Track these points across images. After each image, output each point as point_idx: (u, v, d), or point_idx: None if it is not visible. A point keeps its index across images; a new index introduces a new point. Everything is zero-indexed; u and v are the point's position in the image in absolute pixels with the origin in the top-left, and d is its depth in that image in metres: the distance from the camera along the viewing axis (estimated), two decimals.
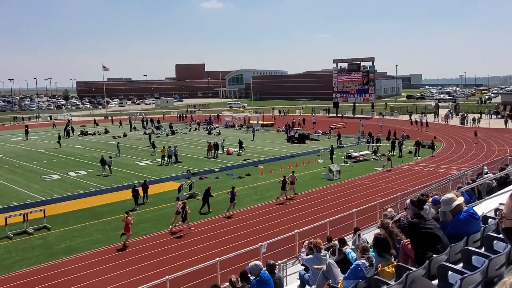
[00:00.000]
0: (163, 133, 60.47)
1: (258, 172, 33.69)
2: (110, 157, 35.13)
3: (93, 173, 34.20)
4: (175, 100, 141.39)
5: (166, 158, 37.98)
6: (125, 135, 57.32)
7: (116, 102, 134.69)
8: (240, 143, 43.08)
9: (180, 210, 20.67)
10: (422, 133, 53.28)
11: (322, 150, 40.74)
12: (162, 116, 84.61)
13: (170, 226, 21.01)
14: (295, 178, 26.80)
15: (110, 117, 79.53)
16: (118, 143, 44.12)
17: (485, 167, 17.32)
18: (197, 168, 35.66)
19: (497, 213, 6.39)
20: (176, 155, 38.56)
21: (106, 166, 33.86)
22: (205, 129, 64.11)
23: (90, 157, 41.32)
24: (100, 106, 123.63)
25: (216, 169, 35.07)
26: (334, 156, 37.72)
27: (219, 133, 58.31)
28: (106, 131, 62.11)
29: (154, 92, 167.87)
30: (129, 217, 19.36)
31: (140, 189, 25.64)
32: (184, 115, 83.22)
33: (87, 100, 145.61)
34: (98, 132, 62.27)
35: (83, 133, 60.67)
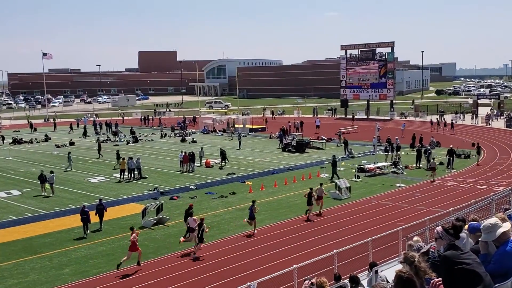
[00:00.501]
0: (122, 140, 60.27)
1: (245, 190, 33.61)
2: (51, 172, 34.77)
3: (30, 194, 33.78)
4: (138, 97, 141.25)
5: (126, 173, 37.78)
6: (71, 143, 57.02)
7: (60, 101, 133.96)
8: (223, 153, 42.97)
9: (196, 228, 21.52)
10: (448, 138, 53.71)
11: (327, 162, 40.85)
12: (121, 118, 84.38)
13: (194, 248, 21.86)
14: (322, 191, 28.25)
15: (52, 120, 79.00)
16: (69, 153, 43.86)
17: None
18: (167, 185, 35.47)
19: None
20: (140, 168, 38.36)
21: (47, 184, 33.48)
22: (177, 135, 64.05)
23: (26, 173, 40.93)
24: (39, 106, 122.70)
25: (191, 187, 34.91)
26: (342, 169, 37.80)
27: (194, 140, 58.28)
28: (47, 138, 61.71)
29: (110, 87, 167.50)
30: (134, 234, 20.53)
31: (92, 213, 25.46)
32: (149, 117, 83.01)
33: (22, 98, 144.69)
34: (36, 139, 61.83)
35: (16, 141, 60.14)
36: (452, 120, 66.36)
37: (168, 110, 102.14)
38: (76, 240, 24.22)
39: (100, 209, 25.94)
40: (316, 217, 27.17)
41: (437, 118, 68.06)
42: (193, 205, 26.04)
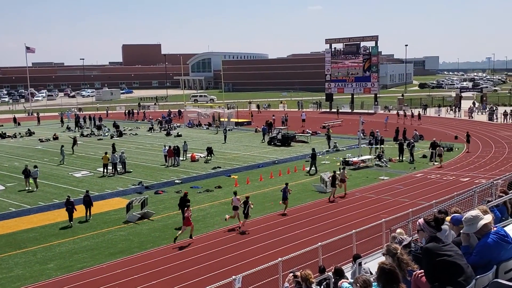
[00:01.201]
0: (106, 134, 59.94)
1: (231, 184, 33.62)
2: (35, 167, 34.52)
3: (13, 188, 33.56)
4: (122, 91, 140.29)
5: (110, 168, 37.59)
6: (55, 138, 56.59)
7: (44, 95, 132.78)
8: (209, 148, 42.83)
9: (241, 205, 23.80)
10: (432, 131, 54.10)
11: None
12: (105, 112, 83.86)
13: (239, 225, 24.20)
14: (345, 175, 30.54)
15: (35, 114, 78.41)
16: (63, 146, 43.56)
17: None
18: (151, 179, 35.36)
19: None
20: (124, 163, 38.20)
21: (31, 179, 33.26)
22: (162, 129, 63.85)
23: (9, 167, 40.62)
24: (23, 100, 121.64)
25: (177, 181, 34.84)
26: (327, 162, 38.09)
27: (178, 134, 58.12)
28: (30, 133, 61.25)
29: (94, 81, 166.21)
30: (189, 210, 22.68)
31: (79, 206, 25.40)
32: (134, 111, 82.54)
33: (5, 92, 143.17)
34: (19, 134, 61.36)
35: (0, 136, 59.63)
36: (419, 112, 68.89)
37: (154, 104, 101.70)
38: (61, 234, 24.09)
39: (87, 201, 26.16)
40: (340, 199, 29.45)
41: (404, 110, 70.52)
42: (178, 199, 26.04)
